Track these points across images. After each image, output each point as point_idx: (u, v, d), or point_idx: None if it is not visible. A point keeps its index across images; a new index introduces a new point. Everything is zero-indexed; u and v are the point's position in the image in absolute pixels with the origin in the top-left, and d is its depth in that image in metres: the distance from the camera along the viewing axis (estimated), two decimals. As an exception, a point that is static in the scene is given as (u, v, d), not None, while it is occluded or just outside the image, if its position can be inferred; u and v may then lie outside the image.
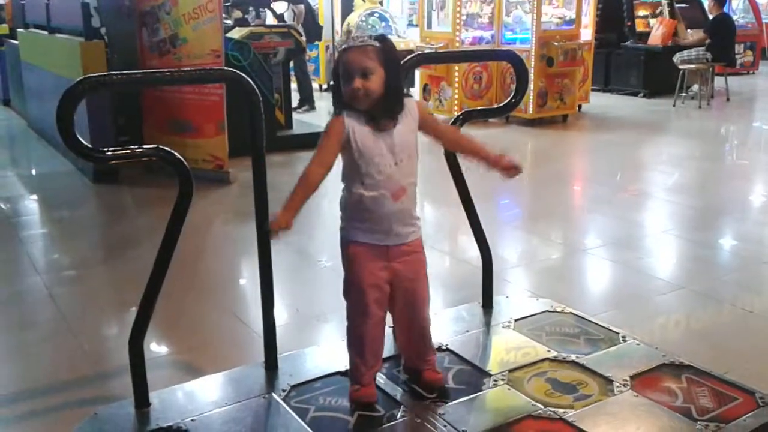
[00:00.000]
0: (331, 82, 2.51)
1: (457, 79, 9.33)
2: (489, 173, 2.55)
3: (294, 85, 9.84)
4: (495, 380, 2.65)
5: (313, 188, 2.34)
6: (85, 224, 5.66)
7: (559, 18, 9.53)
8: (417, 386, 2.58)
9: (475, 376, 2.70)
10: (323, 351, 2.95)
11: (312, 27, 10.80)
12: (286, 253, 4.38)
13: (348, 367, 2.56)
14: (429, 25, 10.14)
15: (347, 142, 2.32)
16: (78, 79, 2.27)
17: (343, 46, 2.34)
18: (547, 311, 3.27)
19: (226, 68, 2.87)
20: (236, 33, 7.60)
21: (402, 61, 2.90)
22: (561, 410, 2.44)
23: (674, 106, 10.69)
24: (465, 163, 2.91)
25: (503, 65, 9.44)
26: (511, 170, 2.53)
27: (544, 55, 9.02)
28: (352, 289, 2.44)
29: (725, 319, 3.63)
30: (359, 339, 2.47)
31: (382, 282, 2.42)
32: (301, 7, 10.34)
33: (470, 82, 9.46)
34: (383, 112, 2.34)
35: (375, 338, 2.48)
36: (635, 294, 3.95)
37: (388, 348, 2.87)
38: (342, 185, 2.43)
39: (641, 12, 12.42)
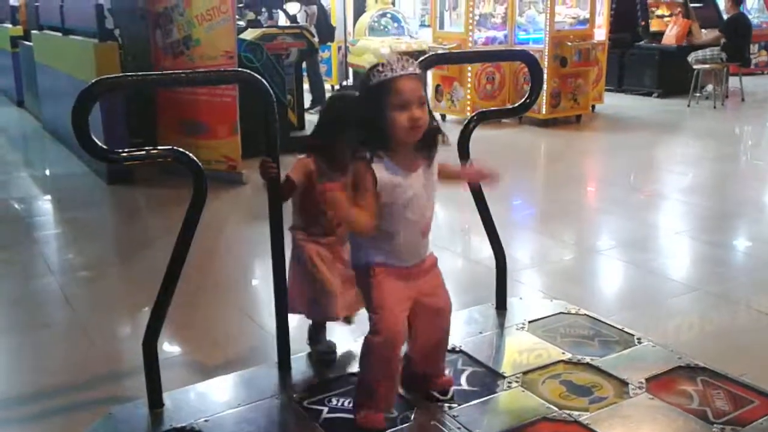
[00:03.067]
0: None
1: (469, 80, 9.30)
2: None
3: (306, 86, 9.85)
4: (509, 382, 2.64)
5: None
6: (100, 225, 5.68)
7: (573, 18, 9.51)
8: (426, 390, 2.56)
9: (488, 377, 2.70)
10: (336, 352, 2.94)
11: (324, 28, 10.82)
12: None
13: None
14: (441, 26, 10.12)
15: (379, 188, 2.19)
16: (93, 81, 2.28)
17: (393, 73, 2.14)
18: (561, 313, 3.26)
19: (240, 69, 2.87)
20: (249, 34, 7.62)
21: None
22: (576, 413, 2.43)
23: (689, 106, 10.63)
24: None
25: (516, 65, 9.41)
26: (483, 179, 2.43)
27: (557, 55, 8.98)
28: (381, 312, 2.33)
29: (741, 321, 3.60)
30: (383, 371, 2.36)
31: (402, 305, 2.37)
32: (314, 8, 10.35)
33: (483, 83, 9.44)
34: (423, 147, 2.24)
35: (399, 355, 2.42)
36: (649, 296, 3.92)
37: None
38: None
39: (659, 12, 12.35)
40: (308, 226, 2.73)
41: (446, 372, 2.65)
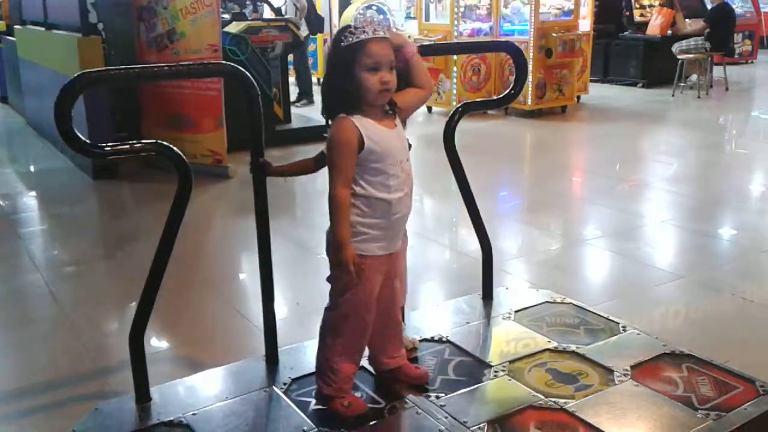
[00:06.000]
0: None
1: (455, 72, 9.31)
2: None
3: (292, 79, 9.81)
4: (496, 371, 2.66)
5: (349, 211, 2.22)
6: (85, 220, 5.66)
7: (558, 9, 9.51)
8: (400, 381, 2.56)
9: (475, 367, 2.71)
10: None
11: (314, 19, 10.78)
12: (285, 246, 4.38)
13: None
14: (427, 18, 10.11)
15: (362, 146, 2.17)
16: (76, 75, 2.26)
17: (366, 36, 2.15)
18: (547, 302, 3.27)
19: (224, 62, 2.86)
20: (234, 27, 7.59)
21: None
22: (562, 400, 2.44)
23: (673, 96, 10.68)
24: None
25: (502, 57, 9.42)
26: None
27: (542, 46, 9.01)
28: (362, 304, 2.34)
29: (725, 308, 3.64)
30: (358, 349, 2.43)
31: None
32: (304, 1, 10.30)
33: (469, 74, 9.45)
34: (393, 107, 2.26)
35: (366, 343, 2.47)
36: (635, 284, 3.95)
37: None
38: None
39: (644, 2, 12.38)
40: None
41: (415, 364, 2.66)
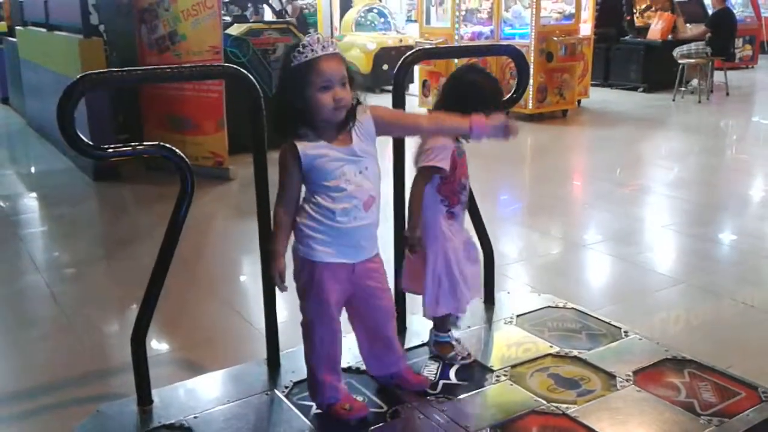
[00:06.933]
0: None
1: (456, 75, 9.30)
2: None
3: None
4: (497, 376, 2.65)
5: (290, 228, 2.30)
6: (86, 222, 5.65)
7: (559, 13, 9.52)
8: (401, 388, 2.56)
9: (477, 372, 2.70)
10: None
11: (303, 24, 10.81)
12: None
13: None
14: (428, 21, 10.13)
15: (305, 167, 2.19)
16: (78, 77, 2.26)
17: (315, 54, 2.12)
18: (549, 307, 3.26)
19: (227, 65, 2.86)
20: (235, 29, 7.60)
21: (402, 58, 2.91)
22: (564, 405, 2.44)
23: (674, 100, 10.68)
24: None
25: (503, 61, 9.41)
26: (503, 130, 2.45)
27: (543, 50, 9.01)
28: (319, 312, 2.35)
29: (726, 313, 3.63)
30: (332, 358, 2.41)
31: (342, 301, 2.37)
32: (298, 3, 10.32)
33: (470, 78, 9.43)
34: (346, 123, 2.22)
35: (338, 351, 2.44)
36: (636, 289, 3.95)
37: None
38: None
39: (645, 5, 12.39)
40: (451, 205, 2.70)
41: (418, 371, 2.65)
